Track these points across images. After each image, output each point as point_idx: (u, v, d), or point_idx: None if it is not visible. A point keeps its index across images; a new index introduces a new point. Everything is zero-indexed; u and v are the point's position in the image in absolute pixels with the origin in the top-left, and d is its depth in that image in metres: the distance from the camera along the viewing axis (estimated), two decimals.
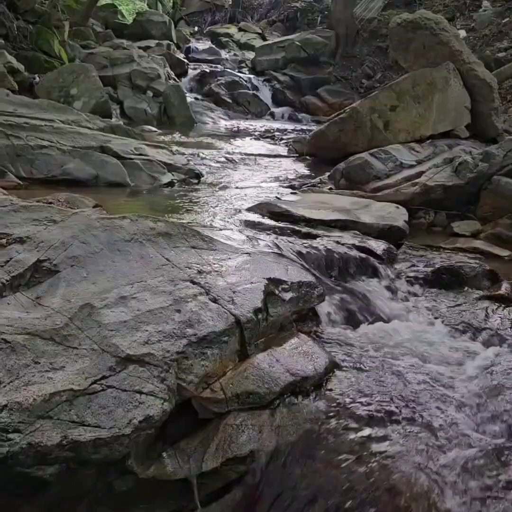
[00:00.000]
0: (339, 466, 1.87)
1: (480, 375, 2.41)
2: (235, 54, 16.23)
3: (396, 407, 2.13)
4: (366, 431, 2.01)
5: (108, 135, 6.04)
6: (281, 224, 3.73)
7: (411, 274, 3.50)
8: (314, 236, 3.51)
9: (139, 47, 13.30)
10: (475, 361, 2.55)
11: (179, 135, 9.08)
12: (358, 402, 2.15)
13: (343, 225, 3.84)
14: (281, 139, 9.59)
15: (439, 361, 2.52)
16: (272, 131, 10.43)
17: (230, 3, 20.15)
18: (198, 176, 5.95)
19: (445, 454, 1.90)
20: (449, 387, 2.31)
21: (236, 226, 3.71)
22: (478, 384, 2.34)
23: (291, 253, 3.13)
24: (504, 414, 2.13)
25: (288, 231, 3.58)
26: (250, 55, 15.80)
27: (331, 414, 2.08)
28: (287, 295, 2.51)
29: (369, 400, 2.16)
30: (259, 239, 3.32)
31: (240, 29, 18.32)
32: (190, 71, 13.87)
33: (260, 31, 17.90)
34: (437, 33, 6.82)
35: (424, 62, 6.92)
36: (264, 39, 17.14)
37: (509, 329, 2.89)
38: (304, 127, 11.04)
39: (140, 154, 5.76)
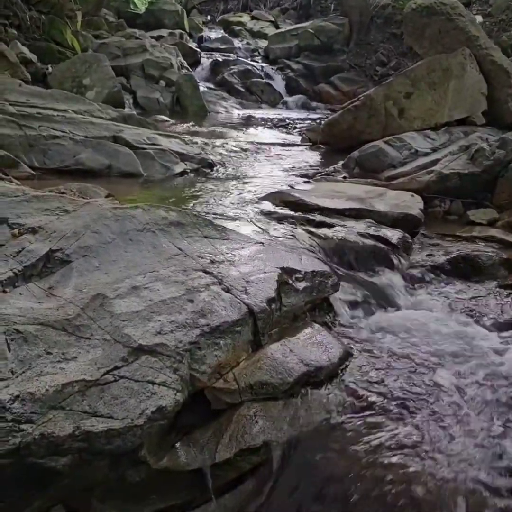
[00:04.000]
0: (353, 457, 1.86)
1: (497, 364, 2.38)
2: (247, 43, 16.09)
3: (411, 396, 2.11)
4: (381, 422, 1.99)
5: (120, 125, 6.01)
6: (295, 213, 3.69)
7: (427, 263, 3.46)
8: (328, 225, 3.47)
9: (152, 37, 13.23)
10: (492, 350, 2.51)
11: (192, 124, 9.04)
12: (372, 392, 2.13)
13: (357, 214, 3.79)
14: (295, 127, 9.53)
15: (456, 350, 2.49)
16: (285, 120, 10.36)
17: None
18: (211, 165, 5.91)
19: (459, 446, 1.88)
20: (465, 377, 2.28)
21: (249, 215, 3.68)
22: (494, 374, 2.31)
23: (305, 243, 3.11)
24: None
25: (302, 221, 3.55)
26: (263, 43, 15.66)
27: (346, 404, 2.07)
28: (301, 285, 2.49)
29: (383, 390, 2.14)
30: (272, 228, 3.30)
31: (252, 18, 18.16)
32: (202, 60, 13.80)
33: (272, 19, 17.75)
34: (453, 18, 6.72)
35: (440, 48, 6.81)
36: (277, 27, 16.99)
37: None
38: (318, 116, 10.96)
39: (153, 144, 5.73)
